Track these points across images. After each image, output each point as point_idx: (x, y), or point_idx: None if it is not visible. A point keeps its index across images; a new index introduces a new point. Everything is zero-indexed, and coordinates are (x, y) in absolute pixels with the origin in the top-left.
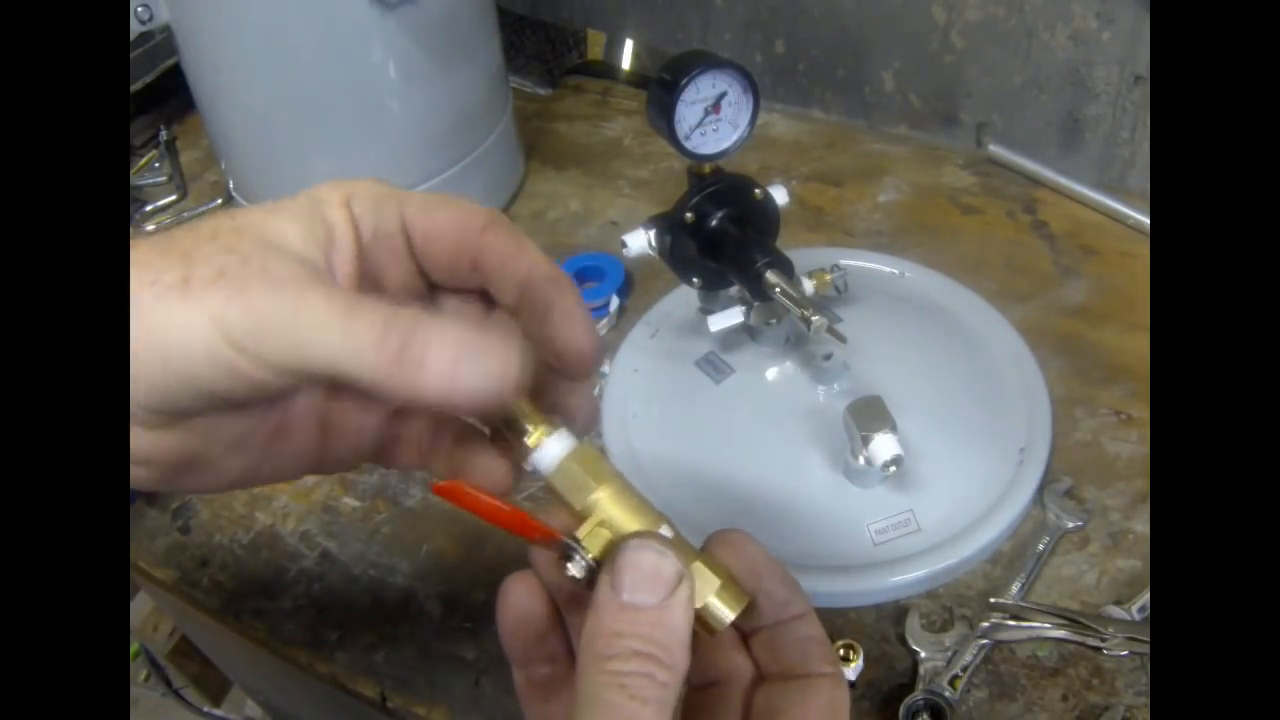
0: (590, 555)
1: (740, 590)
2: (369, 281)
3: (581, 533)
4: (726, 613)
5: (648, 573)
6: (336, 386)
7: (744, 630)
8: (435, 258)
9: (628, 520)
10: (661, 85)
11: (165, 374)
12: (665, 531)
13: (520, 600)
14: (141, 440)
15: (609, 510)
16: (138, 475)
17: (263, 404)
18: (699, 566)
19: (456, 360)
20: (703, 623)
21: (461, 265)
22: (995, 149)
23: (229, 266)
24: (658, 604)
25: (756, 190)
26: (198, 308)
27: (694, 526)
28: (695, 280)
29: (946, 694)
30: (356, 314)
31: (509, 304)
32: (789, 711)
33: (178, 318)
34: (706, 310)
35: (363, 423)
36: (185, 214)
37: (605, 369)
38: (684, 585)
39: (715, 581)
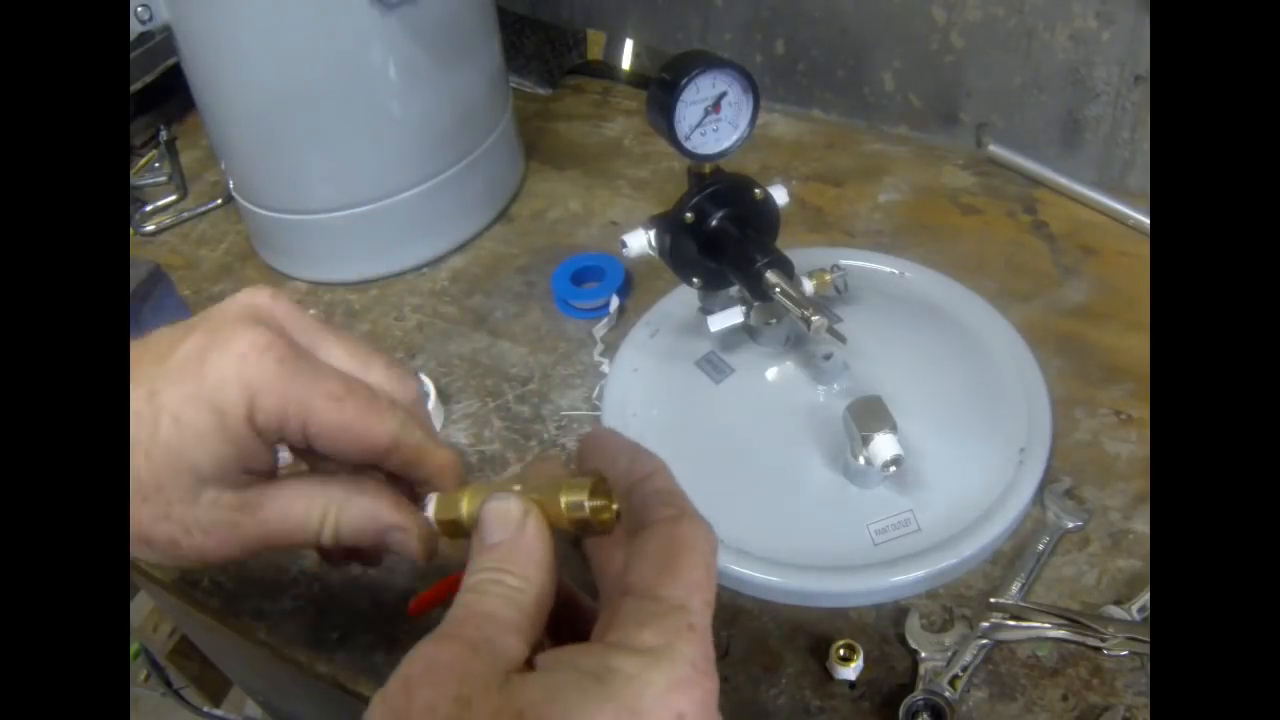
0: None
1: (605, 491)
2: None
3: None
4: (585, 505)
5: (498, 516)
6: None
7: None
8: (331, 451)
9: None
10: (661, 85)
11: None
12: (516, 489)
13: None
14: None
15: (473, 500)
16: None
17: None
18: (564, 487)
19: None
20: (588, 526)
21: (351, 457)
22: (995, 149)
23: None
24: (511, 537)
25: (756, 190)
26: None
27: None
28: (695, 280)
29: (946, 694)
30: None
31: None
32: (629, 567)
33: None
34: (706, 310)
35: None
36: (185, 214)
37: (605, 369)
38: (530, 517)
39: (583, 492)
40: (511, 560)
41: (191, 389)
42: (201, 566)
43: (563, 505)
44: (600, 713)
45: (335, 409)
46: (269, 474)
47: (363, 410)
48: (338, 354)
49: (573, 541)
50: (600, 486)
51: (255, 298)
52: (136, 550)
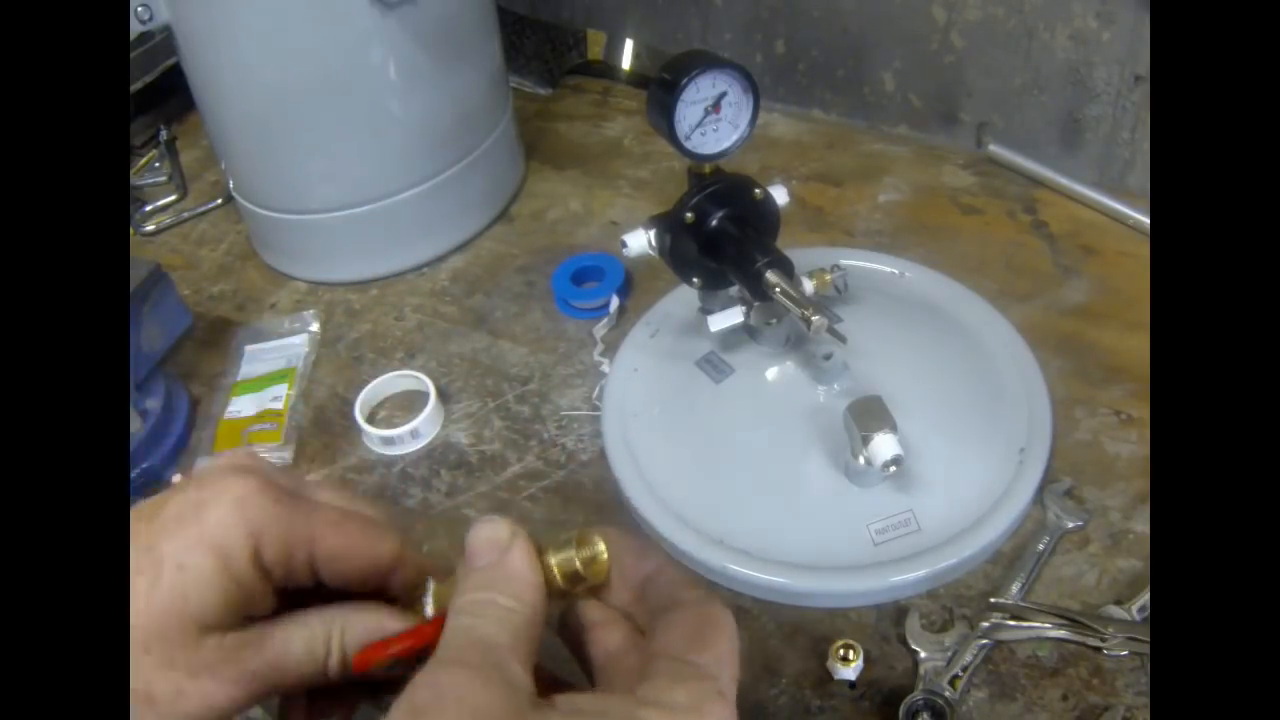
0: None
1: (592, 541)
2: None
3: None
4: (576, 562)
5: (485, 539)
6: None
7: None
8: (337, 576)
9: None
10: (661, 85)
11: None
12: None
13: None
14: None
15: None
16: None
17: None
18: (550, 547)
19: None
20: (579, 579)
21: (356, 581)
22: (995, 149)
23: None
24: (499, 559)
25: (756, 190)
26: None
27: (693, 525)
28: (695, 280)
29: (946, 694)
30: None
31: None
32: (655, 636)
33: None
34: (706, 310)
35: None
36: (185, 214)
37: (605, 369)
38: (517, 539)
39: (570, 547)
40: (501, 582)
41: (193, 536)
42: None
43: (553, 562)
44: None
45: (338, 533)
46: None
47: (364, 530)
48: (325, 495)
49: (559, 626)
50: (586, 538)
51: (236, 458)
52: (139, 714)
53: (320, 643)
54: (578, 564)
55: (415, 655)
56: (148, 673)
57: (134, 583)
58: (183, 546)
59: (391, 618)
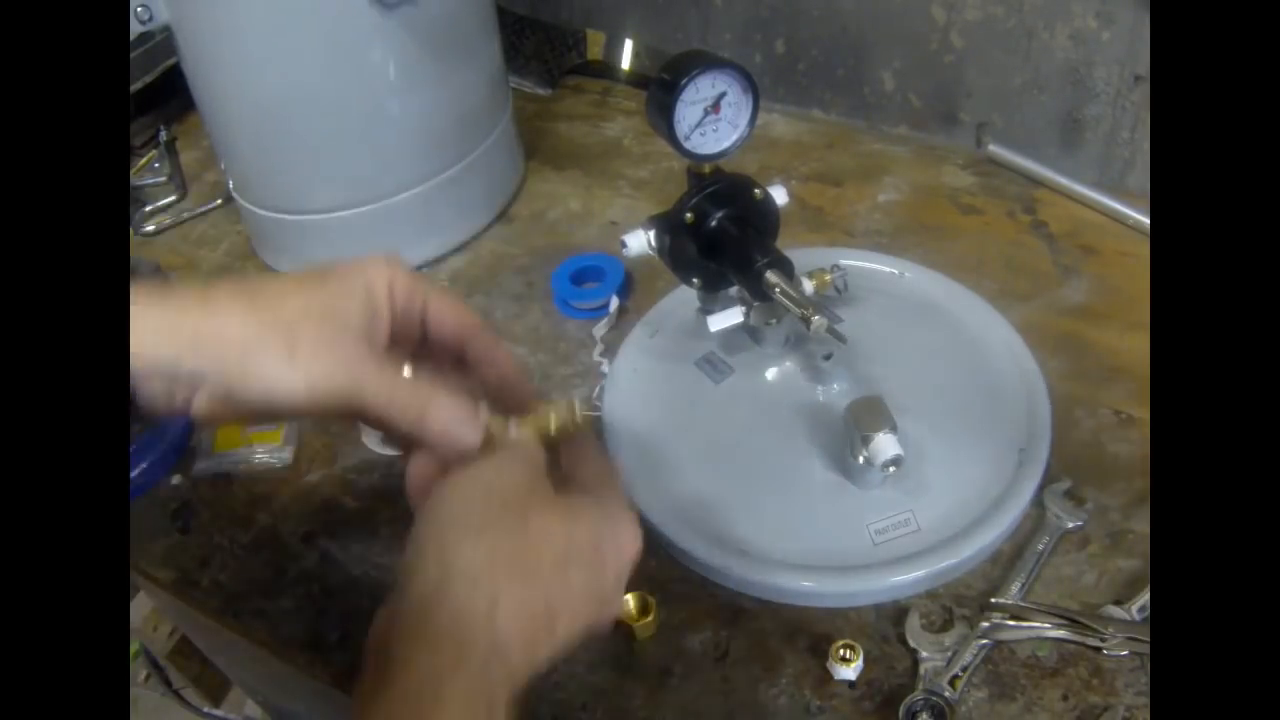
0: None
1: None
2: (393, 341)
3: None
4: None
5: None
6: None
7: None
8: (435, 336)
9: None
10: (661, 85)
11: (265, 404)
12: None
13: (421, 469)
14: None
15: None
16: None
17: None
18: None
19: (448, 424)
20: (565, 431)
21: (449, 344)
22: (995, 149)
23: (319, 347)
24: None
25: (756, 190)
26: (301, 374)
27: (693, 525)
28: (695, 280)
29: (946, 694)
30: (397, 388)
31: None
32: (586, 477)
33: (284, 379)
34: (706, 310)
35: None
36: (185, 214)
37: (605, 369)
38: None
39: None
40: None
41: (349, 273)
42: (304, 399)
43: (550, 421)
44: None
45: (445, 296)
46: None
47: (457, 302)
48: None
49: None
50: (554, 405)
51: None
52: (283, 360)
53: (410, 407)
54: (558, 422)
55: None
56: (298, 332)
57: (291, 302)
58: (338, 280)
59: (455, 411)
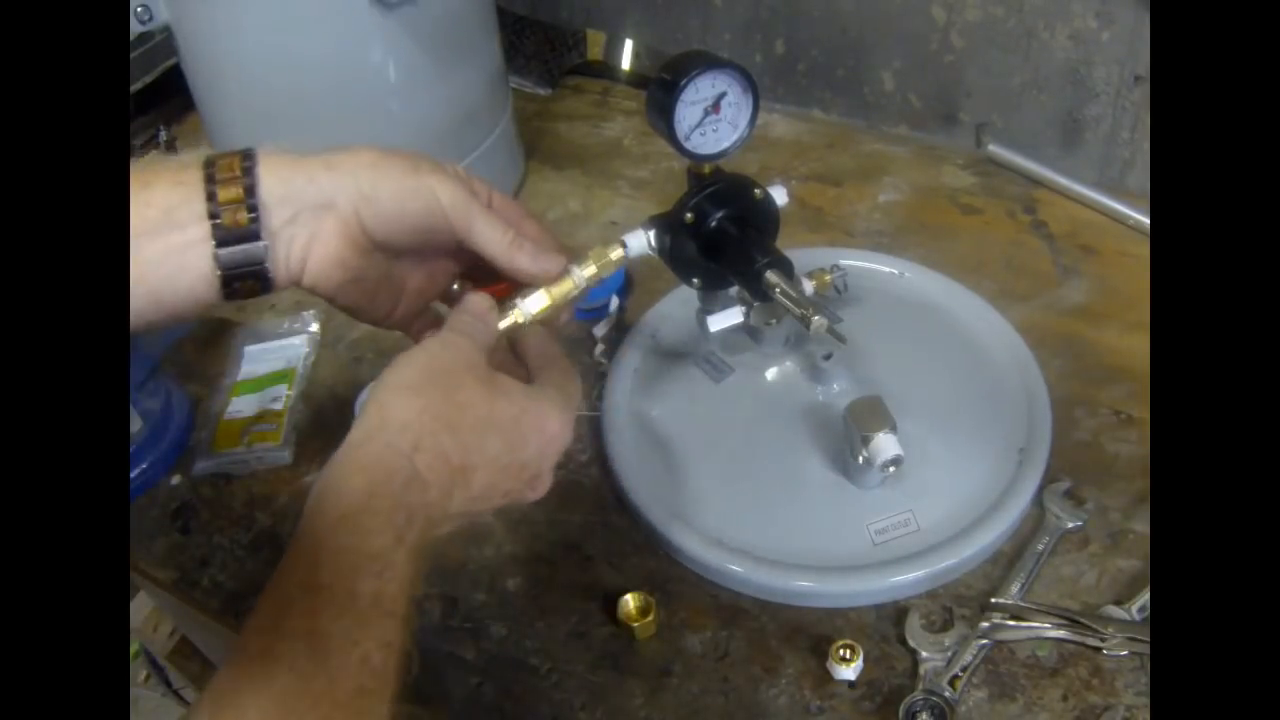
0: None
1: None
2: None
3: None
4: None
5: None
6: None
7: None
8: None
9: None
10: (661, 85)
11: (395, 220)
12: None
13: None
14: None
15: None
16: (335, 278)
17: (408, 257)
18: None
19: (536, 255)
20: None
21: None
22: (995, 149)
23: (438, 169)
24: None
25: (756, 190)
26: (427, 185)
27: (693, 524)
28: (695, 280)
29: (946, 694)
30: (498, 227)
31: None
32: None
33: (412, 191)
34: (706, 310)
35: (421, 288)
36: None
37: (605, 369)
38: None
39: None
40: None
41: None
42: (433, 212)
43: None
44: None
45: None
46: None
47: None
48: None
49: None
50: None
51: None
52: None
53: (508, 229)
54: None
55: None
56: (418, 159)
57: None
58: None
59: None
